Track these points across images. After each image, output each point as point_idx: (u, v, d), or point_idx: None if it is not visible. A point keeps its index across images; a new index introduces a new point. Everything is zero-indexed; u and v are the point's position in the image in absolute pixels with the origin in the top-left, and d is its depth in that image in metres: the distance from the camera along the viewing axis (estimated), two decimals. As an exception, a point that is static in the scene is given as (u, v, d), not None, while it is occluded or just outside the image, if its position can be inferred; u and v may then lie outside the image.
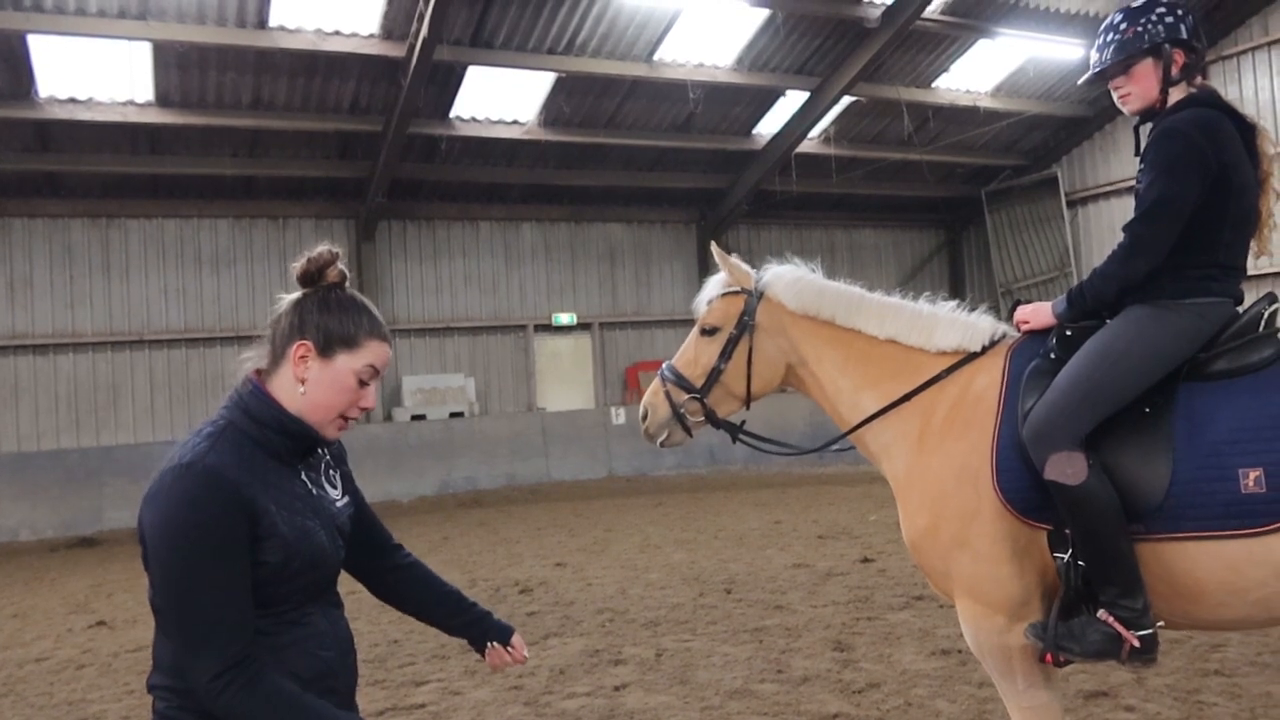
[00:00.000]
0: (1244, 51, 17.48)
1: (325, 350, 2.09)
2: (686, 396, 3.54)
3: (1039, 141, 20.76)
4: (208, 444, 1.99)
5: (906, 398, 3.30)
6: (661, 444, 3.62)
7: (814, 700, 5.07)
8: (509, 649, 2.44)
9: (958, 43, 17.00)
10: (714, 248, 3.82)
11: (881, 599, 7.20)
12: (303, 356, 2.08)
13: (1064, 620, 2.90)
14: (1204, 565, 2.82)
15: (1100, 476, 2.84)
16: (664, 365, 3.65)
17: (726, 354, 3.52)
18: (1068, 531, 2.89)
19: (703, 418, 3.57)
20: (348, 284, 2.19)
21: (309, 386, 2.08)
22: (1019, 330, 3.30)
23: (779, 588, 7.87)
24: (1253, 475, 2.74)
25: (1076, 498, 2.81)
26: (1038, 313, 3.21)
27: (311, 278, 2.15)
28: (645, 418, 3.62)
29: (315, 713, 1.95)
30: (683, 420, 3.55)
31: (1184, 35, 3.06)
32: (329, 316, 2.10)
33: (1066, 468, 2.82)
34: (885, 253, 22.65)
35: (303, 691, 1.98)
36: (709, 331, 3.58)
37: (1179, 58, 3.07)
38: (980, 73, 18.08)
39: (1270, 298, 3.03)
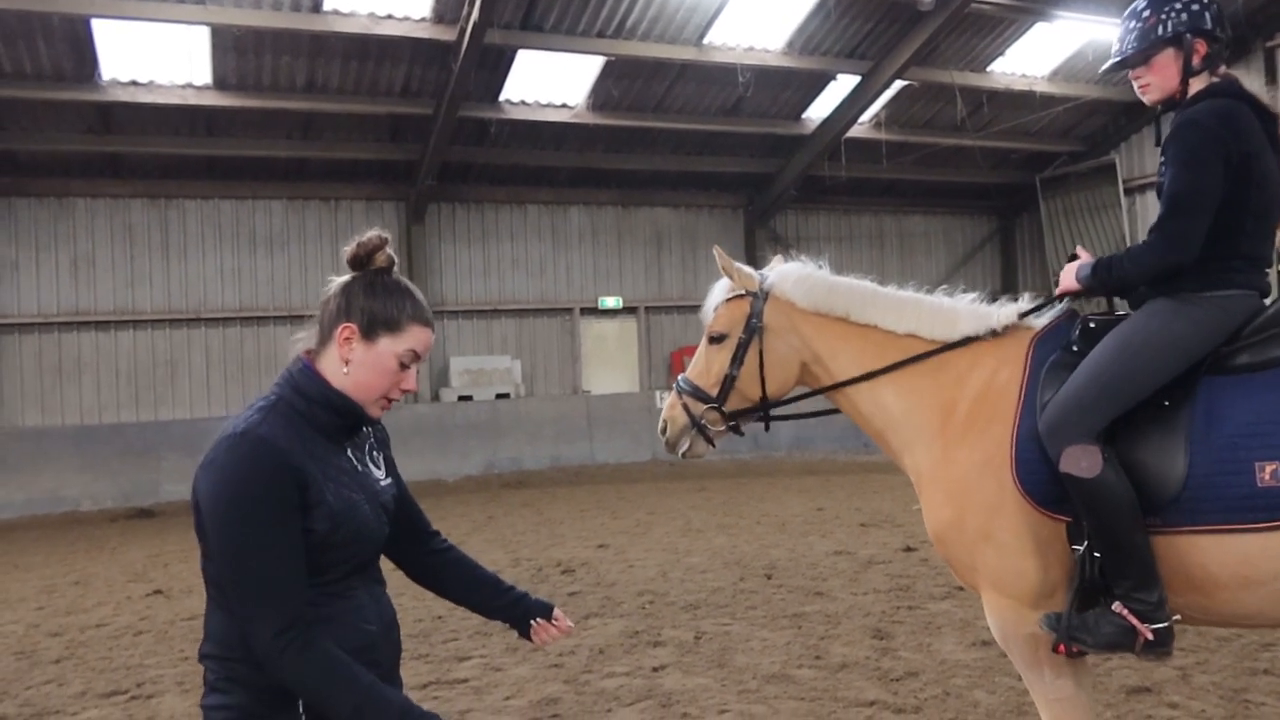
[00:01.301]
0: (1314, 35, 16.93)
1: (368, 333, 2.15)
2: (705, 407, 3.49)
3: (1097, 127, 20.29)
4: (260, 416, 2.08)
5: (904, 363, 3.29)
6: (684, 455, 3.56)
7: (852, 687, 5.08)
8: (553, 622, 2.48)
9: (1014, 25, 16.64)
10: (716, 251, 3.74)
11: (923, 588, 7.18)
12: (347, 338, 2.15)
13: (1080, 611, 2.90)
14: (1218, 559, 2.80)
15: (1116, 469, 2.82)
16: (679, 378, 3.59)
17: (738, 360, 3.46)
18: (1084, 524, 2.89)
19: (724, 426, 3.53)
20: (395, 268, 2.25)
21: (352, 368, 2.15)
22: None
23: (820, 574, 7.87)
24: (1269, 469, 2.72)
25: (1091, 490, 2.80)
26: (1066, 276, 3.18)
27: (360, 262, 2.21)
28: (664, 431, 3.57)
29: (363, 683, 2.01)
30: (704, 431, 3.49)
31: (1207, 25, 3.02)
32: (374, 300, 2.17)
33: (1081, 460, 2.81)
34: (935, 240, 22.34)
35: (352, 660, 2.05)
36: (717, 339, 3.52)
37: (1201, 48, 3.02)
38: (1037, 56, 17.66)
39: None
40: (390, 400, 2.22)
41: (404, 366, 2.19)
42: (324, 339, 2.19)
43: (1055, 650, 2.94)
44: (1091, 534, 2.86)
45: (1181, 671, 4.98)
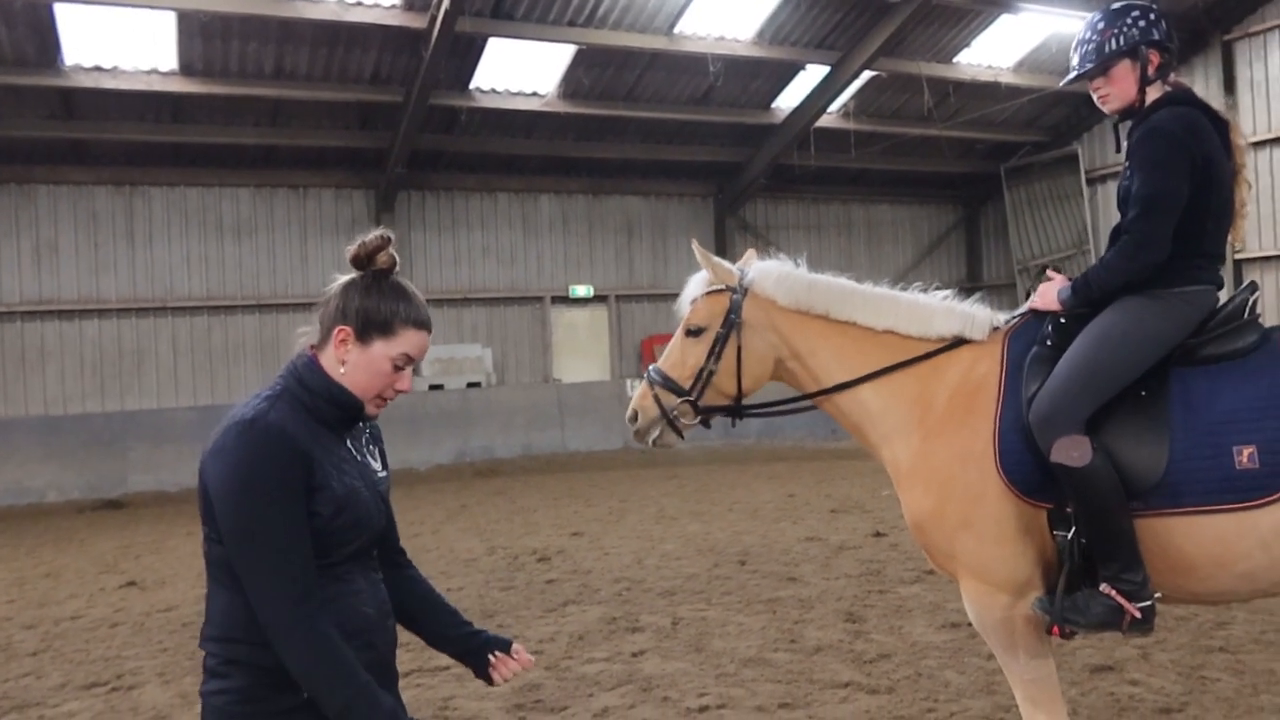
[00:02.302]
0: (1271, 28, 17.28)
1: (363, 335, 2.20)
2: (678, 400, 3.50)
3: (1060, 118, 20.60)
4: (267, 404, 2.14)
5: (896, 367, 3.36)
6: (653, 444, 3.58)
7: (826, 669, 5.22)
8: (513, 656, 2.42)
9: (980, 18, 16.86)
10: (695, 246, 3.77)
11: (893, 572, 7.34)
12: (343, 340, 2.20)
13: (1067, 594, 3.04)
14: (1195, 539, 2.98)
15: (1103, 457, 2.97)
16: (650, 368, 3.58)
17: (715, 354, 3.47)
18: (1069, 510, 3.03)
19: (695, 419, 3.53)
20: (397, 269, 2.27)
21: (348, 369, 2.21)
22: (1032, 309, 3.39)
23: (792, 560, 8.02)
24: (1246, 452, 2.91)
25: (1081, 478, 2.94)
26: (1045, 295, 3.31)
27: (361, 262, 2.24)
28: (634, 420, 3.56)
29: (360, 680, 2.06)
30: (674, 423, 3.51)
31: (1158, 37, 3.21)
32: (370, 303, 2.20)
33: (1072, 450, 2.95)
34: (902, 228, 22.59)
35: (354, 658, 2.10)
36: (695, 332, 3.52)
37: (1154, 58, 3.21)
38: (1002, 48, 17.92)
39: (1251, 286, 3.21)
40: (385, 400, 2.27)
41: (398, 368, 2.24)
42: (324, 338, 2.24)
43: (1049, 632, 3.09)
44: (1080, 520, 3.00)
45: (1141, 650, 5.17)
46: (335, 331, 2.20)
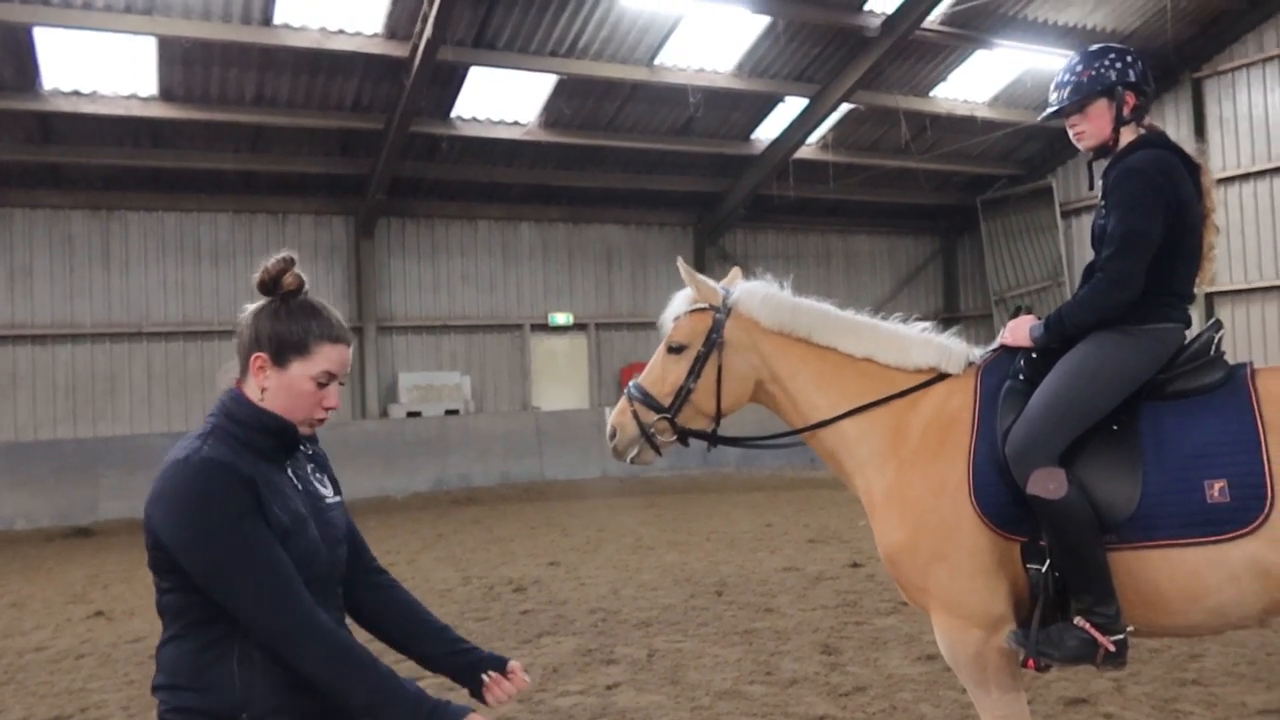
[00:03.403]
0: (1239, 67, 17.66)
1: (279, 359, 2.17)
2: (656, 416, 3.49)
3: (1034, 152, 20.92)
4: (200, 442, 2.11)
5: (880, 402, 3.38)
6: (631, 461, 3.56)
7: (802, 702, 5.19)
8: (508, 676, 2.36)
9: (956, 53, 17.15)
10: (680, 264, 3.77)
11: (869, 604, 7.33)
12: (260, 367, 2.17)
13: (1041, 628, 3.05)
14: (1168, 572, 3.00)
15: (1078, 490, 2.99)
16: (630, 384, 3.58)
17: (695, 372, 3.48)
18: (1043, 543, 3.04)
19: (673, 437, 3.52)
20: (306, 289, 2.23)
21: (269, 394, 2.17)
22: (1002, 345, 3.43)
23: (769, 590, 7.99)
24: (1217, 486, 2.95)
25: (1057, 511, 2.96)
26: (1016, 332, 3.35)
27: (268, 286, 2.21)
28: (613, 437, 3.55)
29: (380, 670, 2.06)
30: (652, 440, 3.50)
31: (1134, 79, 3.29)
32: (280, 325, 2.17)
33: (1049, 483, 2.97)
34: (880, 259, 22.78)
35: (352, 636, 2.10)
36: (676, 349, 3.53)
37: (1130, 99, 3.29)
38: (978, 83, 18.22)
39: (1217, 324, 3.27)
40: (317, 420, 2.24)
41: (321, 386, 2.20)
42: (243, 369, 2.21)
43: (1024, 665, 3.09)
44: (1055, 553, 3.02)
45: (1116, 683, 5.17)
46: (252, 360, 2.17)
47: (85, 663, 6.77)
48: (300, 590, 2.05)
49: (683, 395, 3.49)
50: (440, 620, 2.43)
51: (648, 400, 3.51)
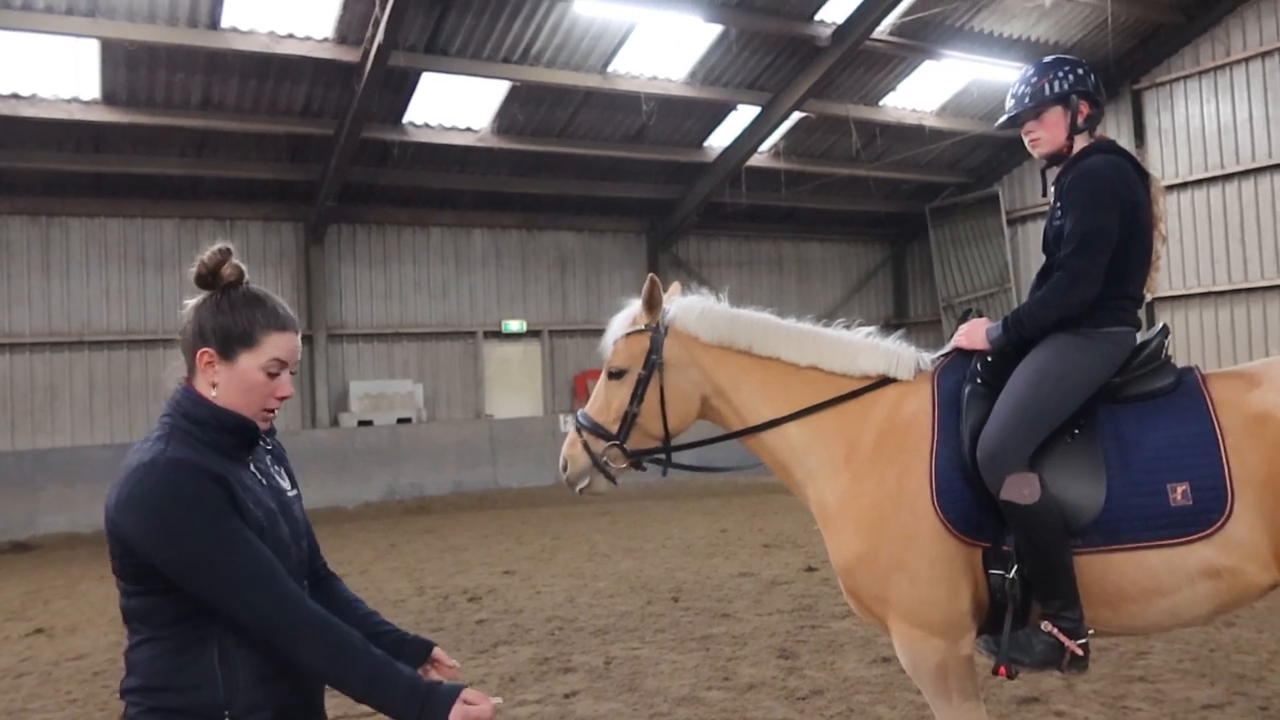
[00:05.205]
0: (1177, 79, 18.16)
1: (226, 353, 2.12)
2: (605, 445, 3.44)
3: (981, 161, 21.31)
4: (162, 444, 2.06)
5: (827, 404, 3.33)
6: (581, 491, 3.49)
7: (760, 707, 5.21)
8: (432, 664, 2.40)
9: (905, 63, 17.42)
10: (651, 279, 3.58)
11: (825, 607, 7.39)
12: (208, 363, 2.13)
13: (1011, 633, 3.06)
14: (1129, 574, 3.03)
15: (1049, 495, 3.00)
16: (578, 413, 3.53)
17: (638, 395, 3.42)
18: (1006, 549, 3.04)
19: (626, 464, 3.47)
20: (245, 280, 2.19)
21: (220, 390, 2.13)
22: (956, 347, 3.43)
23: (725, 596, 8.02)
24: (1180, 489, 2.99)
25: (1029, 516, 2.97)
26: (972, 334, 3.34)
27: (207, 280, 2.16)
28: (565, 468, 3.50)
29: (375, 655, 2.05)
30: (605, 469, 3.44)
31: (1088, 89, 3.37)
32: (223, 318, 2.13)
33: (1023, 488, 2.97)
34: (831, 266, 23.03)
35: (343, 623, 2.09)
36: (617, 374, 3.47)
37: (1084, 109, 3.37)
38: (926, 93, 18.53)
39: (1165, 330, 3.32)
40: (270, 410, 2.20)
41: (272, 375, 2.16)
42: (190, 367, 2.16)
43: (995, 672, 3.09)
44: (1024, 557, 3.01)
45: (1065, 681, 5.26)
46: (199, 356, 2.13)
47: (25, 682, 6.57)
48: (287, 581, 2.03)
49: (629, 420, 3.43)
50: (369, 609, 2.43)
51: (596, 429, 3.46)
